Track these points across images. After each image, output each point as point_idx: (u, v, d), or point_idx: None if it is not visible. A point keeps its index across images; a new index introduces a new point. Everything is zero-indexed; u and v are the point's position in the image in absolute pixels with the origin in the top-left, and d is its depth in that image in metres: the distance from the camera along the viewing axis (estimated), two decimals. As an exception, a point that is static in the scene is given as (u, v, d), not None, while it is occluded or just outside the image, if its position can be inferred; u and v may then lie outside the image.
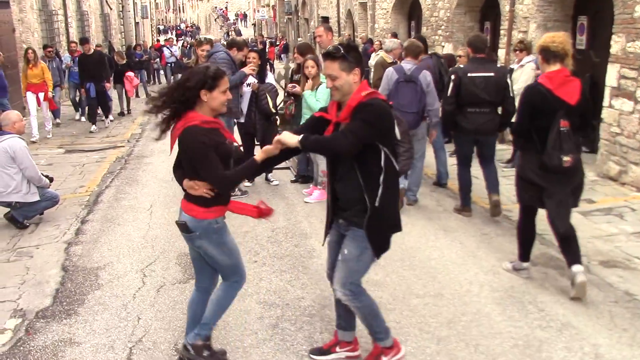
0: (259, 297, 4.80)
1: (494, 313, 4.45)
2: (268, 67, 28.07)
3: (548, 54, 4.54)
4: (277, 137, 3.29)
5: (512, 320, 4.34)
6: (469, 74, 6.26)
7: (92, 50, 13.69)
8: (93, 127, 13.15)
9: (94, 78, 13.02)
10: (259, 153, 3.39)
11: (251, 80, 7.65)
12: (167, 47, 24.12)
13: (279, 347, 4.03)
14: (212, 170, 3.31)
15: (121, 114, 15.77)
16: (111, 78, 14.75)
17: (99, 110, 13.83)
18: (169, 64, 23.26)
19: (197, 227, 3.50)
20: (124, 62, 16.14)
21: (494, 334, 4.15)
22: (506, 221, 6.52)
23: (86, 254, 5.79)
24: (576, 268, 4.58)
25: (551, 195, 4.62)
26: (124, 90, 15.80)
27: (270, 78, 8.07)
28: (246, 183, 7.99)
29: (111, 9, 25.66)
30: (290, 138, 3.25)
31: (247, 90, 7.68)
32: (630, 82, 7.70)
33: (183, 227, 3.56)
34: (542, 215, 6.28)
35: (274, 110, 7.74)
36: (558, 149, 4.42)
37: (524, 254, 5.07)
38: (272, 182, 8.19)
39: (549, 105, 4.44)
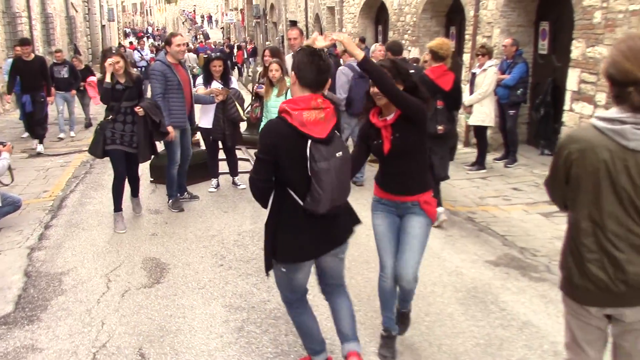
0: (225, 300, 4.80)
1: (457, 313, 4.53)
2: (237, 71, 28.04)
3: (435, 55, 6.22)
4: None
5: (475, 320, 4.42)
6: None
7: (33, 56, 11.13)
8: (39, 147, 11.03)
9: (32, 89, 10.90)
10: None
11: (216, 85, 7.58)
12: (138, 50, 22.84)
13: (244, 350, 4.04)
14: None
15: (88, 125, 14.27)
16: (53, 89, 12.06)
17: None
18: (140, 68, 21.93)
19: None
20: (84, 66, 14.91)
21: (457, 334, 4.22)
22: (470, 223, 6.64)
23: (49, 259, 5.72)
24: (439, 209, 6.00)
25: (435, 152, 6.04)
26: (87, 97, 14.18)
27: (234, 83, 7.98)
28: (211, 188, 7.97)
29: (77, 11, 25.34)
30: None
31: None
32: (590, 86, 7.89)
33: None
34: (505, 217, 6.43)
35: (245, 117, 7.73)
36: (434, 121, 5.98)
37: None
38: (238, 185, 8.16)
39: (430, 90, 5.29)
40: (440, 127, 6.11)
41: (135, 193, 7.06)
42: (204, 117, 7.68)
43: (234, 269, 5.43)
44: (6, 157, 6.57)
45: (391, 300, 3.86)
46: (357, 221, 3.57)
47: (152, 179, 8.39)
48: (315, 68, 3.08)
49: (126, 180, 6.75)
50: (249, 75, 22.29)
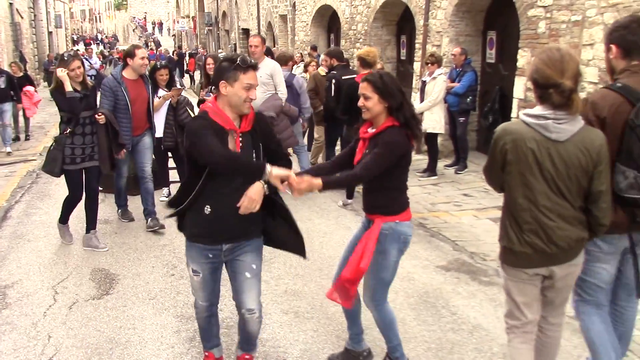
0: (176, 310, 4.74)
1: (409, 318, 4.58)
2: (189, 78, 27.74)
3: (363, 62, 7.01)
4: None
5: (426, 325, 4.47)
6: (342, 78, 7.65)
7: None
8: None
9: None
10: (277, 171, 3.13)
11: (162, 93, 7.36)
12: (85, 58, 21.39)
13: (195, 360, 3.99)
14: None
15: (16, 138, 13.00)
16: None
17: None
18: (90, 77, 21.42)
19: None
20: (22, 74, 13.56)
21: (409, 338, 4.26)
22: (422, 229, 6.72)
23: (-7, 272, 5.55)
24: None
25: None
26: (20, 109, 12.75)
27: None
28: (162, 197, 7.85)
29: (22, 17, 24.70)
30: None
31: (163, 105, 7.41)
32: (536, 94, 8.09)
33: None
34: (456, 223, 6.54)
35: None
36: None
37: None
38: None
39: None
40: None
41: (92, 224, 6.22)
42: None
43: (186, 278, 5.35)
44: None
45: (353, 317, 3.85)
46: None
47: (101, 189, 8.21)
48: None
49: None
50: (200, 83, 22.12)
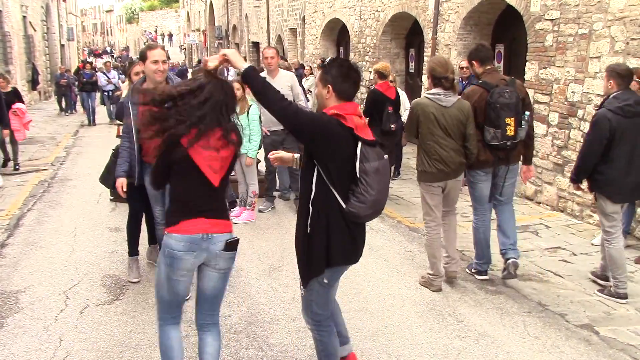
0: (186, 316, 4.73)
1: (416, 325, 4.61)
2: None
3: (381, 75, 8.02)
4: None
5: (432, 332, 4.51)
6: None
7: None
8: None
9: None
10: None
11: None
12: (103, 73, 19.86)
13: (204, 364, 4.04)
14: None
15: (4, 163, 10.93)
16: None
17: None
18: (107, 93, 19.12)
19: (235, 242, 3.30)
20: (10, 89, 11.03)
21: (415, 345, 4.30)
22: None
23: (5, 277, 5.62)
24: None
25: (385, 147, 7.14)
26: (6, 135, 10.20)
27: None
28: None
29: (35, 30, 25.00)
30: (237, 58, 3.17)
31: None
32: (544, 106, 8.16)
33: (235, 244, 3.27)
34: (463, 233, 6.56)
35: None
36: (387, 121, 7.72)
37: None
38: None
39: (382, 100, 7.82)
40: (392, 126, 7.78)
41: (154, 238, 5.82)
42: None
43: (195, 284, 5.41)
44: None
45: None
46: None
47: (111, 198, 8.32)
48: (352, 81, 3.27)
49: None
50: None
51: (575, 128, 7.60)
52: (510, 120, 4.98)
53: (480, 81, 5.21)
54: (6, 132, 9.91)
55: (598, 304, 5.06)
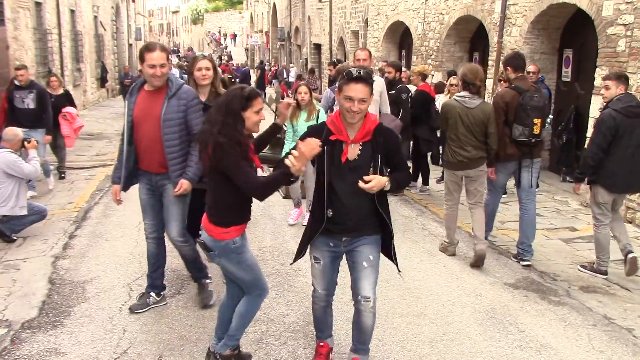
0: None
1: (475, 333, 4.54)
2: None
3: (423, 76, 9.06)
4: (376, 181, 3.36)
5: (493, 341, 4.42)
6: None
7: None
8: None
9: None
10: (291, 161, 3.20)
11: None
12: None
13: (262, 361, 4.09)
14: (247, 176, 3.34)
15: (60, 173, 10.05)
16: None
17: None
18: None
19: (216, 247, 3.55)
20: (62, 92, 10.00)
21: (474, 353, 4.23)
22: (490, 246, 6.63)
23: (73, 267, 5.82)
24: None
25: (434, 143, 9.24)
26: (47, 141, 9.20)
27: None
28: None
29: (105, 30, 25.82)
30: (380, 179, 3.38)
31: None
32: (613, 113, 7.88)
33: (203, 246, 3.61)
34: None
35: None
36: (436, 118, 8.18)
37: None
38: None
39: (429, 99, 8.93)
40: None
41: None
42: None
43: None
44: (35, 157, 6.77)
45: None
46: None
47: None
48: None
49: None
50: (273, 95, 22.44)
51: (647, 137, 7.32)
52: (537, 121, 5.81)
53: (512, 85, 6.01)
54: (48, 137, 9.06)
55: (668, 320, 4.86)
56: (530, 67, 9.42)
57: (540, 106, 5.85)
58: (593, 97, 8.35)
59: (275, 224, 7.34)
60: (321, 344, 4.00)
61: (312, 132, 3.55)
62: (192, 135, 4.49)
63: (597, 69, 8.29)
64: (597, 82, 8.23)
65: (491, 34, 11.42)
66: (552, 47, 10.33)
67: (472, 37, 13.50)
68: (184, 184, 4.52)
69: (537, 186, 6.50)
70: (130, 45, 33.59)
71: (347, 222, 3.56)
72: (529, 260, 6.09)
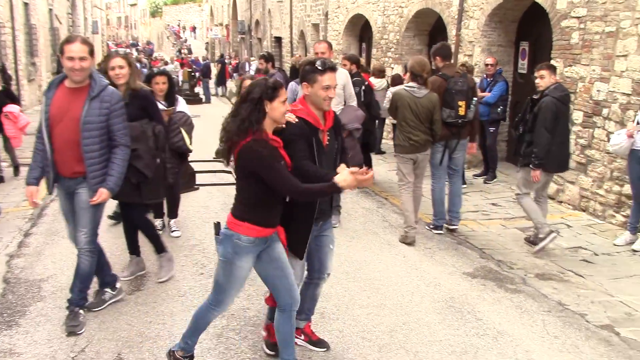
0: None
1: (434, 322, 4.60)
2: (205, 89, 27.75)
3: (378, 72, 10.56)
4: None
5: (451, 329, 4.49)
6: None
7: None
8: None
9: None
10: (341, 178, 3.26)
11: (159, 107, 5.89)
12: None
13: (223, 356, 4.08)
14: (285, 179, 3.29)
15: (15, 171, 9.66)
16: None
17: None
18: None
19: (223, 233, 3.53)
20: (0, 87, 9.52)
21: (433, 342, 4.29)
22: (449, 237, 6.73)
23: (29, 266, 5.71)
24: None
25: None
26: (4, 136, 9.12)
27: (182, 106, 6.42)
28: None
29: (61, 23, 25.27)
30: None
31: None
32: (567, 104, 8.06)
33: (216, 226, 3.61)
34: (483, 232, 6.53)
35: (191, 147, 6.23)
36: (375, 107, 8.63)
37: None
38: (172, 232, 6.69)
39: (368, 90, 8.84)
40: None
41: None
42: None
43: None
44: None
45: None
46: None
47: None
48: None
49: None
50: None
51: (599, 127, 7.51)
52: (462, 103, 6.53)
53: (440, 73, 6.76)
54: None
55: (619, 304, 5.01)
56: (488, 60, 9.60)
57: (464, 90, 6.56)
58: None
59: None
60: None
61: (297, 131, 3.54)
62: (113, 141, 4.31)
63: (552, 61, 8.44)
64: (552, 73, 8.39)
65: (449, 27, 11.53)
66: (508, 39, 10.48)
67: (431, 30, 13.60)
68: (104, 194, 4.29)
69: (464, 163, 7.36)
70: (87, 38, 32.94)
71: (325, 206, 3.78)
72: (456, 225, 6.90)
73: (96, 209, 4.42)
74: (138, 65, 20.53)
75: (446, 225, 6.91)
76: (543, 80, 6.15)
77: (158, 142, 5.05)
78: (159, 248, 5.43)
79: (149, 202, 5.28)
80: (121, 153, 4.37)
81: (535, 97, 6.20)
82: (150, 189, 5.03)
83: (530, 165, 6.07)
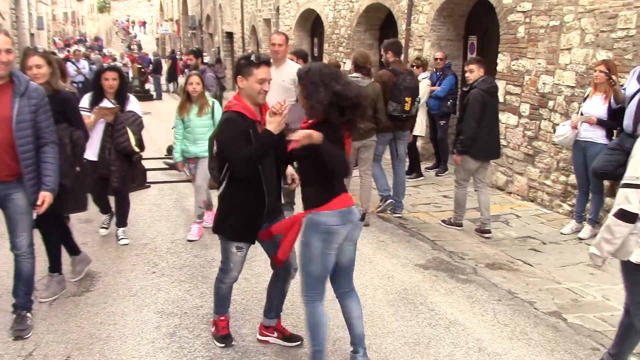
0: (157, 307, 4.76)
1: (387, 314, 4.65)
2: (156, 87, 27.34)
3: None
4: (308, 132, 3.25)
5: (404, 320, 4.55)
6: None
7: None
8: None
9: None
10: (269, 122, 3.48)
11: (107, 104, 5.91)
12: (72, 62, 17.69)
13: (176, 355, 4.02)
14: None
15: None
16: None
17: None
18: (75, 84, 15.78)
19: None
20: None
21: (386, 334, 4.33)
22: (402, 229, 6.80)
23: (-28, 269, 5.53)
24: None
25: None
26: None
27: (133, 105, 6.10)
28: (103, 231, 6.64)
29: (4, 19, 24.49)
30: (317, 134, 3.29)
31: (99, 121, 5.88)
32: (515, 97, 8.24)
33: (364, 216, 3.79)
34: (435, 223, 6.61)
35: (137, 149, 5.98)
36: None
37: None
38: (119, 240, 6.31)
39: None
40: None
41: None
42: (90, 147, 5.56)
43: (167, 276, 5.39)
44: None
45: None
46: None
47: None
48: None
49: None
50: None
51: (545, 119, 7.69)
52: (408, 99, 6.78)
53: (390, 67, 7.03)
54: None
55: (566, 291, 5.15)
56: (437, 54, 9.71)
57: (412, 87, 6.87)
58: (496, 81, 8.66)
59: (188, 216, 7.22)
60: (222, 318, 4.18)
61: (236, 126, 3.59)
62: (42, 139, 4.10)
63: (500, 55, 8.62)
64: (499, 67, 8.56)
65: (399, 21, 11.63)
66: (457, 34, 10.64)
67: (382, 24, 13.70)
68: (47, 197, 4.10)
69: (406, 154, 7.69)
70: (32, 34, 32.08)
71: (272, 202, 3.82)
72: (400, 214, 7.31)
73: (30, 209, 4.26)
74: (86, 62, 20.02)
75: (390, 214, 7.33)
76: (472, 73, 6.48)
77: (76, 149, 4.74)
78: (68, 254, 5.35)
79: (70, 213, 5.16)
80: (51, 151, 4.18)
81: (465, 89, 6.52)
82: (70, 199, 4.79)
83: (454, 150, 6.59)
